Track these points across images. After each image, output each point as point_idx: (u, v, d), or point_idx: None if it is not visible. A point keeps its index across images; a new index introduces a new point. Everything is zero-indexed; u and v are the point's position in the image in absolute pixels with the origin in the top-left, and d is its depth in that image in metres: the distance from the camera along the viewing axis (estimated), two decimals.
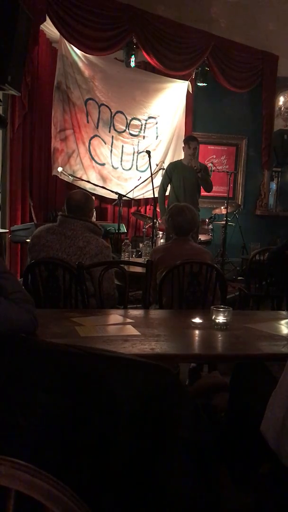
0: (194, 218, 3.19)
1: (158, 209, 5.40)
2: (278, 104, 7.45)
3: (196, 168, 5.41)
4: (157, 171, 6.21)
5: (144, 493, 1.09)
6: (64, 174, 5.71)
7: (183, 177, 5.53)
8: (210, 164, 6.89)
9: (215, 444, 1.41)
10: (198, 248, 3.27)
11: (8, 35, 4.00)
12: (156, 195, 5.23)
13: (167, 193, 6.04)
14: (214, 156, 7.20)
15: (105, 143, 6.38)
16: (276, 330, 2.24)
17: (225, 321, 2.18)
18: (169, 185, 5.69)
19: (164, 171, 5.82)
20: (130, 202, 6.66)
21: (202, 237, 5.98)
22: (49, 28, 5.39)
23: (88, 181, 5.90)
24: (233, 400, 1.95)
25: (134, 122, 6.64)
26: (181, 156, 6.89)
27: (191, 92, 6.93)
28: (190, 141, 5.56)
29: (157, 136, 6.90)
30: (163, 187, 5.69)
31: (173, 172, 5.60)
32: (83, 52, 5.73)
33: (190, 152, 5.52)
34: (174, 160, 6.17)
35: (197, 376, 3.05)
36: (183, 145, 5.67)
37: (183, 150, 5.68)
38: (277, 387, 1.41)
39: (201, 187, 5.67)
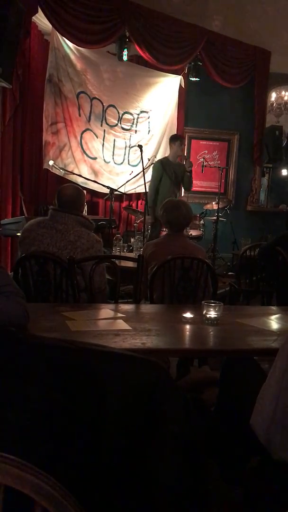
0: (189, 213, 3.18)
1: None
2: (270, 100, 7.45)
3: (190, 167, 5.63)
4: (149, 165, 6.19)
5: (134, 487, 1.09)
6: (55, 167, 5.67)
7: (175, 174, 5.62)
8: (202, 160, 6.90)
9: (205, 438, 1.42)
10: (192, 245, 3.22)
11: None
12: (148, 190, 5.23)
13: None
14: (206, 151, 7.20)
15: (97, 137, 6.35)
16: (266, 325, 2.26)
17: (215, 316, 2.18)
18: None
19: (153, 168, 5.81)
20: (122, 197, 6.64)
21: (193, 233, 5.98)
22: (41, 20, 5.33)
23: (80, 175, 5.87)
24: (222, 395, 1.96)
25: (126, 116, 6.61)
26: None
27: (183, 86, 6.92)
28: (181, 139, 5.79)
29: (149, 131, 6.88)
30: (155, 186, 5.62)
31: (165, 169, 5.61)
32: (75, 45, 5.69)
33: (181, 149, 5.76)
34: (161, 158, 6.14)
35: (185, 370, 3.05)
36: (173, 142, 5.74)
37: (171, 148, 5.80)
38: (266, 380, 1.42)
39: (181, 184, 5.85)
